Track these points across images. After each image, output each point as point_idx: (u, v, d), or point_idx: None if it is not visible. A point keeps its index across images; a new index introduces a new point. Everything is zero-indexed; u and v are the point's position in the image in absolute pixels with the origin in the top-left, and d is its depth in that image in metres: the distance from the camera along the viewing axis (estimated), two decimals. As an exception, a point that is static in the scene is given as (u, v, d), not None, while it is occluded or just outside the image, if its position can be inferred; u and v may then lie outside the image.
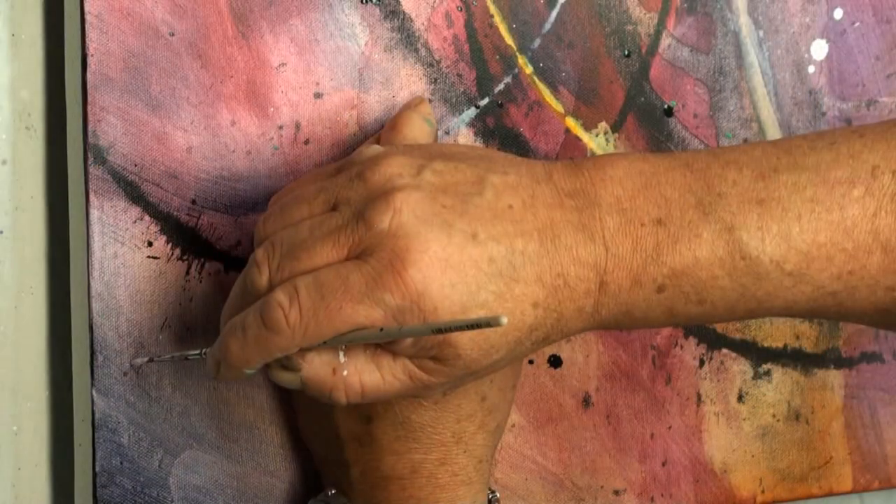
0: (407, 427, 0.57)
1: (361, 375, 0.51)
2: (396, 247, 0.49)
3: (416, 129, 0.59)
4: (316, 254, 0.50)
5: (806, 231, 0.52)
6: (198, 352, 0.56)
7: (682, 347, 0.71)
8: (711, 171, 0.53)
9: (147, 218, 0.59)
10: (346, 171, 0.53)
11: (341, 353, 0.51)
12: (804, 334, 0.74)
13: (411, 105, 0.61)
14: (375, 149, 0.54)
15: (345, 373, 0.51)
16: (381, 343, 0.51)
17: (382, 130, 0.61)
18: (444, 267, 0.49)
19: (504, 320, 0.45)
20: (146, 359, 0.58)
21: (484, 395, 0.58)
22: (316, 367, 0.51)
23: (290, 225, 0.52)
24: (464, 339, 0.50)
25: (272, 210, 0.54)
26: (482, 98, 0.66)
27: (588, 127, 0.68)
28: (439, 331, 0.48)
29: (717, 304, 0.53)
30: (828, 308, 0.54)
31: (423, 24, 0.64)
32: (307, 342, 0.50)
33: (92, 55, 0.58)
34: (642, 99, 0.69)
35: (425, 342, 0.50)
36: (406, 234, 0.49)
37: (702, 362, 0.71)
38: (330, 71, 0.62)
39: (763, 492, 0.73)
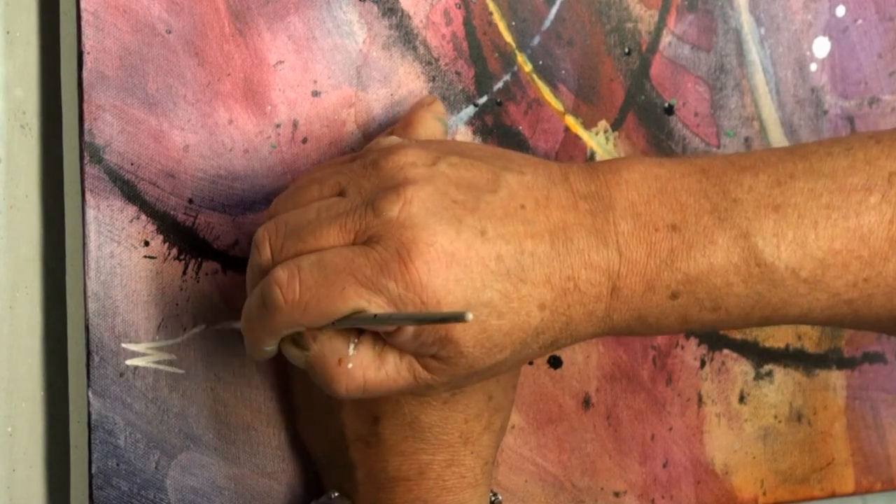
0: (415, 427, 0.57)
1: (365, 371, 0.51)
2: (404, 237, 0.49)
3: (430, 128, 0.60)
4: (321, 236, 0.51)
5: (822, 238, 0.52)
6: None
7: (682, 348, 0.71)
8: (727, 176, 0.53)
9: (143, 217, 0.59)
10: (361, 158, 0.54)
11: (352, 346, 0.51)
12: (806, 335, 0.75)
13: (424, 103, 0.61)
14: (393, 139, 0.55)
15: (350, 366, 0.51)
16: (387, 339, 0.51)
17: (395, 127, 0.61)
18: (451, 262, 0.49)
19: (469, 316, 0.45)
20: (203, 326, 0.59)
21: (491, 395, 0.58)
22: (324, 352, 0.51)
23: (299, 206, 0.53)
24: (466, 336, 0.50)
25: (286, 191, 0.55)
26: (481, 96, 0.66)
27: (588, 125, 0.69)
28: (416, 321, 0.48)
29: (731, 312, 0.53)
30: (844, 316, 0.54)
31: (421, 21, 0.65)
32: (306, 322, 0.50)
33: (88, 53, 0.58)
34: (643, 97, 0.70)
35: (426, 338, 0.50)
36: (414, 225, 0.49)
37: (703, 363, 0.72)
38: (328, 69, 0.63)
39: (765, 493, 0.73)
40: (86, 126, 0.58)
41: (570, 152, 0.68)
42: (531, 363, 0.67)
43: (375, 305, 0.49)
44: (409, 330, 0.50)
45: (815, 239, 0.52)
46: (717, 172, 0.53)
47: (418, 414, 0.57)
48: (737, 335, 0.73)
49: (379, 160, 0.52)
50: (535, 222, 0.51)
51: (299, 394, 0.61)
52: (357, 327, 0.51)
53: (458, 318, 0.47)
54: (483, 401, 0.58)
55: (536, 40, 0.67)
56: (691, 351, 0.71)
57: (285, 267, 0.50)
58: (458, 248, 0.49)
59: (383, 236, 0.50)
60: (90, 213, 0.58)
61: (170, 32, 0.60)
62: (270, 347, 0.53)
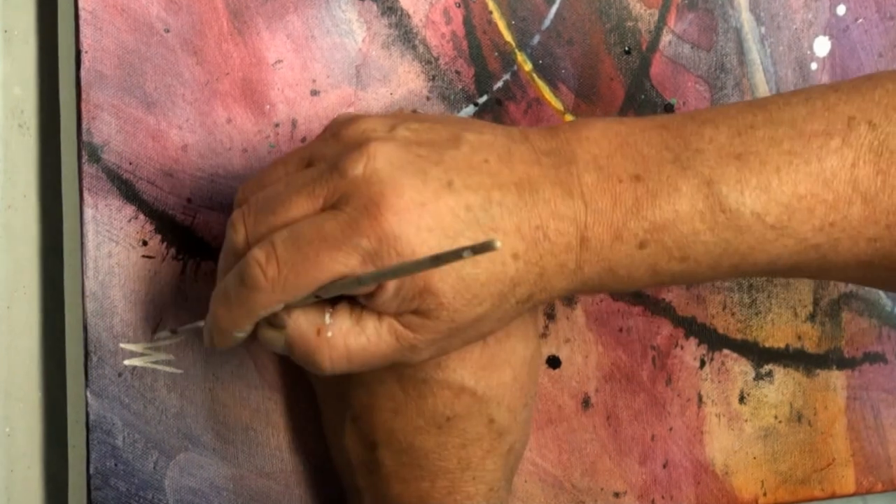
0: (411, 453, 0.57)
1: (346, 338, 0.51)
2: (371, 192, 0.49)
3: None
4: (291, 206, 0.51)
5: (785, 183, 0.52)
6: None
7: (682, 348, 0.71)
8: (687, 129, 0.54)
9: (142, 217, 0.59)
10: (321, 135, 0.54)
11: (327, 315, 0.51)
12: (806, 334, 0.75)
13: None
14: (349, 113, 0.55)
15: (329, 334, 0.51)
16: (365, 303, 0.51)
17: None
18: (421, 212, 0.49)
19: (498, 244, 0.44)
20: (166, 331, 0.59)
21: (491, 418, 0.58)
22: (301, 325, 0.51)
23: (267, 186, 0.53)
24: (445, 287, 0.50)
25: (252, 178, 0.55)
26: (481, 95, 0.66)
27: (588, 124, 0.69)
28: (436, 262, 0.47)
29: (700, 261, 0.53)
30: (811, 262, 0.54)
31: (420, 20, 0.65)
32: (288, 297, 0.50)
33: (86, 52, 0.58)
34: (643, 96, 0.70)
35: (407, 292, 0.50)
36: (380, 179, 0.49)
37: (702, 363, 0.72)
38: (327, 68, 0.63)
39: (765, 494, 0.73)
40: (84, 125, 0.58)
41: (569, 152, 0.68)
42: (531, 363, 0.67)
43: (352, 267, 0.49)
44: (390, 287, 0.50)
45: (779, 184, 0.52)
46: (678, 126, 0.54)
47: (412, 440, 0.56)
48: (737, 335, 0.73)
49: (339, 131, 0.53)
50: (499, 175, 0.51)
51: (323, 421, 0.61)
52: (335, 296, 0.51)
53: (487, 247, 0.44)
54: (482, 424, 0.57)
55: (536, 39, 0.67)
56: (691, 351, 0.71)
57: (262, 246, 0.50)
58: (426, 198, 0.49)
59: (351, 195, 0.50)
60: (88, 213, 0.58)
61: (168, 31, 0.60)
62: (242, 333, 0.52)
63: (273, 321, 0.52)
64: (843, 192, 0.53)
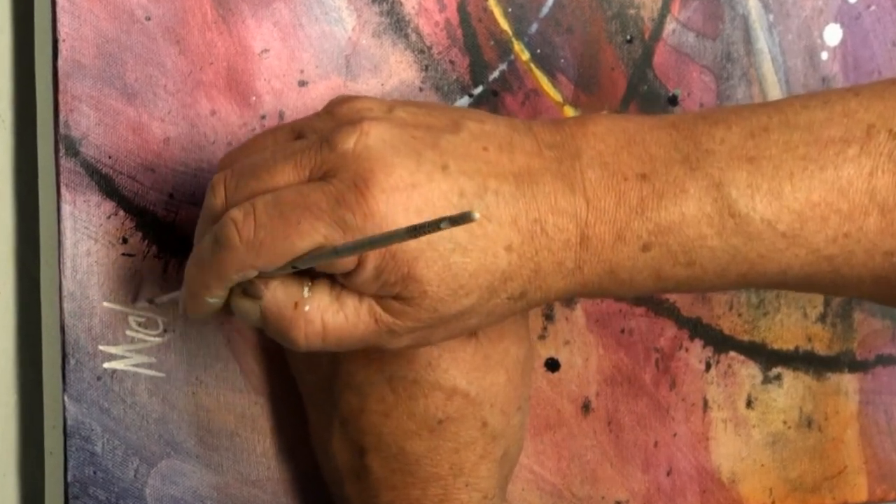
0: (401, 459, 0.57)
1: (324, 314, 0.52)
2: (360, 168, 0.50)
3: None
4: (276, 173, 0.51)
5: (798, 189, 0.52)
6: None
7: (687, 350, 0.72)
8: (698, 129, 0.54)
9: (122, 213, 0.60)
10: (317, 112, 0.55)
11: (306, 289, 0.52)
12: (816, 336, 0.75)
13: None
14: (347, 94, 0.56)
15: (307, 308, 0.52)
16: (344, 282, 0.51)
17: None
18: (410, 193, 0.50)
19: (476, 216, 0.43)
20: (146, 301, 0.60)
21: (484, 421, 0.58)
22: (278, 296, 0.52)
23: (254, 153, 0.54)
24: (430, 273, 0.50)
25: (240, 145, 0.56)
26: (476, 86, 0.67)
27: (588, 117, 0.69)
28: (413, 233, 0.46)
29: (706, 267, 0.53)
30: (824, 275, 0.54)
31: (413, 7, 0.65)
32: (263, 261, 0.50)
33: (63, 40, 0.58)
34: (645, 87, 0.70)
35: (388, 276, 0.50)
36: (371, 156, 0.50)
37: (708, 366, 0.72)
38: (315, 57, 0.63)
39: (773, 503, 0.74)
40: (61, 117, 0.58)
41: (569, 145, 0.69)
42: (528, 366, 0.68)
43: (333, 239, 0.49)
44: (370, 265, 0.50)
45: (792, 191, 0.52)
46: (688, 125, 0.54)
47: (403, 444, 0.57)
48: (744, 337, 0.73)
49: (334, 108, 0.53)
50: (498, 164, 0.52)
51: (310, 426, 0.61)
52: (312, 271, 0.51)
53: (464, 218, 0.43)
54: (475, 428, 0.58)
55: (534, 27, 0.68)
56: (696, 353, 0.72)
57: (241, 207, 0.50)
58: (418, 179, 0.50)
59: (339, 169, 0.50)
60: (66, 209, 0.59)
61: (149, 19, 0.60)
62: (215, 299, 0.53)
63: (249, 290, 0.52)
64: (858, 202, 0.53)
